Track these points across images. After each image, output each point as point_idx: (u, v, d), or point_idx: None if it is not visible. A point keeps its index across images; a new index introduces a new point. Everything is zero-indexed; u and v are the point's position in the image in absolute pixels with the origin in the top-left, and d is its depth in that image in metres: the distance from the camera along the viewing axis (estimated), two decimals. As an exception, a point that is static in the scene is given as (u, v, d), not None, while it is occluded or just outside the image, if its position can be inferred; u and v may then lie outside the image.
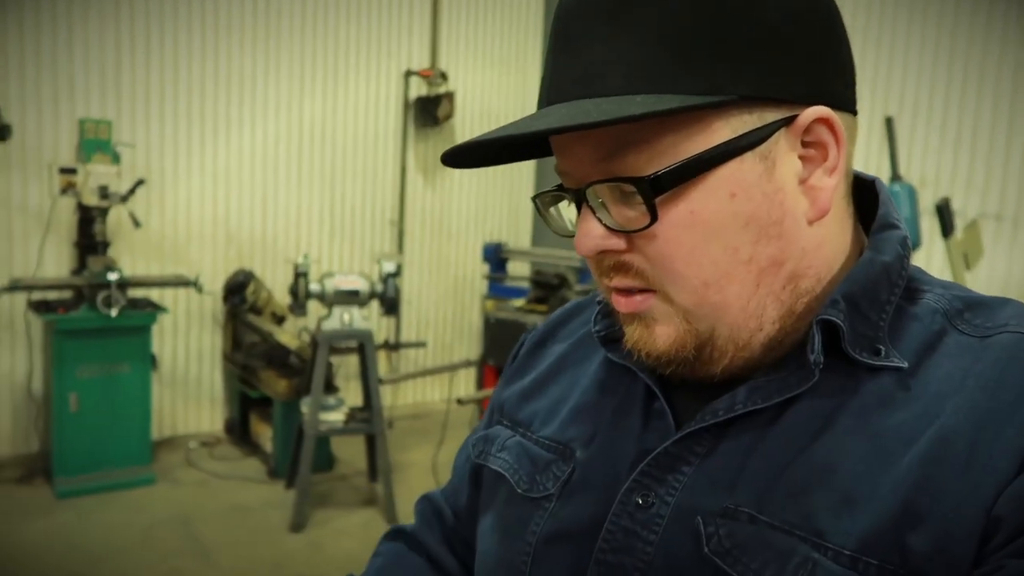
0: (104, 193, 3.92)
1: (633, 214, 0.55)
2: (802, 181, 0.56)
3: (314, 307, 3.97)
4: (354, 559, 3.16)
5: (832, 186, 0.56)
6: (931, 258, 3.84)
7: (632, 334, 0.60)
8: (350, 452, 4.32)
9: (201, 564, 3.21)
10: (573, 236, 0.59)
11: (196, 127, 4.59)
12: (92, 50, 4.23)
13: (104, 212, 4.02)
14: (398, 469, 4.13)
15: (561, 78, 0.56)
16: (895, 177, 3.03)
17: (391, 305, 3.75)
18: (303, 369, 4.02)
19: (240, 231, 4.82)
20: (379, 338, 5.23)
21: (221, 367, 4.80)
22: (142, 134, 4.41)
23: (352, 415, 3.74)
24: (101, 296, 3.69)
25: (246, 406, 4.57)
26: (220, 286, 4.54)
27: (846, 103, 0.57)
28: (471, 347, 5.79)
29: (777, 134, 0.54)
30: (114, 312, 3.70)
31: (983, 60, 3.89)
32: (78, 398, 3.77)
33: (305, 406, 3.64)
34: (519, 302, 4.01)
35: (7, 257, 4.12)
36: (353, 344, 3.85)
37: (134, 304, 3.90)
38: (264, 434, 4.34)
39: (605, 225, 0.56)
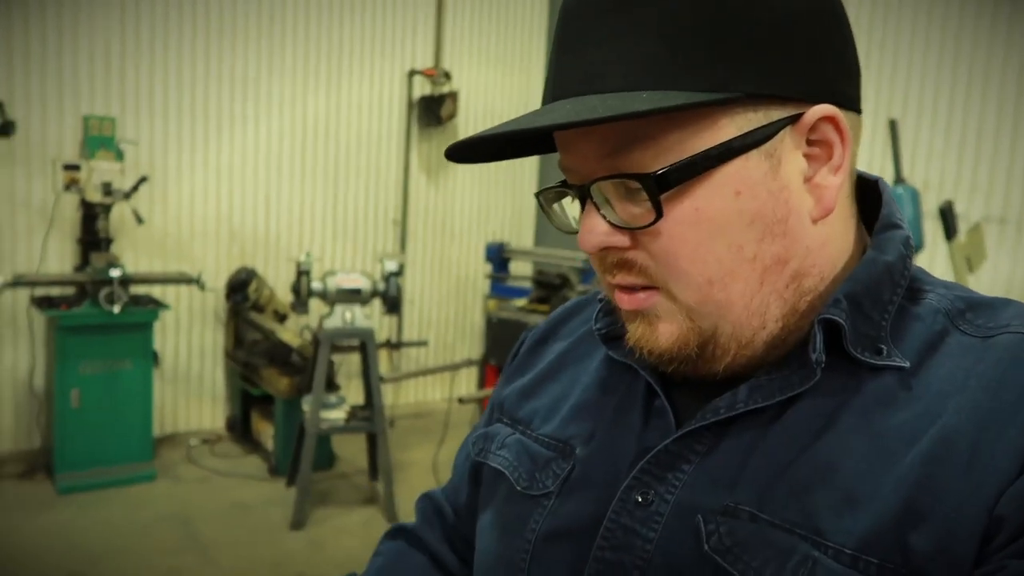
0: (107, 190, 3.93)
1: (638, 211, 0.55)
2: (807, 179, 0.56)
3: (316, 305, 3.98)
4: (354, 557, 3.16)
5: (837, 185, 0.56)
6: (934, 261, 3.83)
7: (635, 331, 0.60)
8: (351, 450, 4.33)
9: (201, 561, 3.21)
10: (576, 233, 0.59)
11: (200, 124, 4.60)
12: (97, 47, 4.24)
13: (107, 209, 4.03)
14: (399, 468, 4.13)
15: (565, 78, 0.56)
16: (898, 180, 3.02)
17: (393, 304, 3.76)
18: (304, 367, 4.02)
19: (243, 229, 4.83)
20: (381, 337, 5.23)
21: (223, 364, 4.81)
22: (146, 131, 4.42)
23: (353, 413, 3.75)
24: (104, 293, 3.70)
25: (247, 404, 4.58)
26: (222, 283, 4.55)
27: (851, 102, 0.57)
28: (473, 347, 5.79)
29: (782, 132, 0.54)
30: (116, 309, 3.70)
31: (987, 63, 3.88)
32: (80, 394, 3.78)
33: (306, 404, 3.64)
34: (521, 302, 4.01)
35: (10, 253, 4.12)
36: (355, 343, 3.85)
37: (136, 301, 3.90)
38: (265, 432, 4.35)
39: (609, 221, 0.56)
